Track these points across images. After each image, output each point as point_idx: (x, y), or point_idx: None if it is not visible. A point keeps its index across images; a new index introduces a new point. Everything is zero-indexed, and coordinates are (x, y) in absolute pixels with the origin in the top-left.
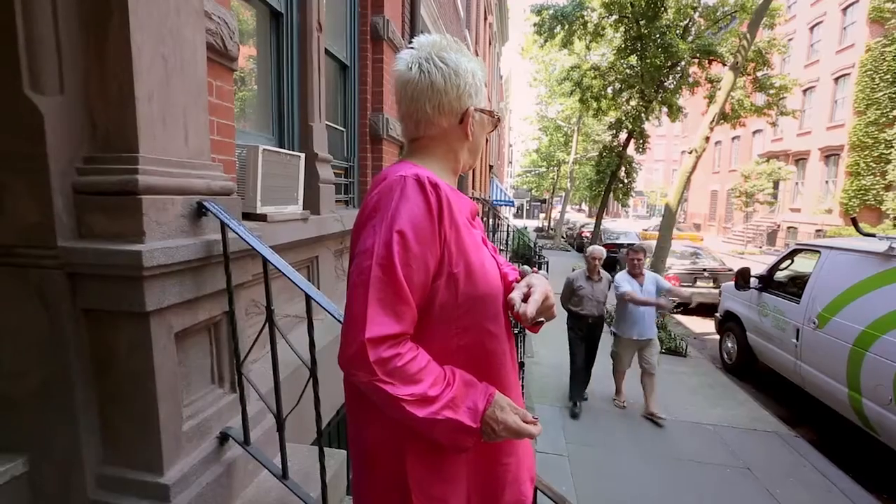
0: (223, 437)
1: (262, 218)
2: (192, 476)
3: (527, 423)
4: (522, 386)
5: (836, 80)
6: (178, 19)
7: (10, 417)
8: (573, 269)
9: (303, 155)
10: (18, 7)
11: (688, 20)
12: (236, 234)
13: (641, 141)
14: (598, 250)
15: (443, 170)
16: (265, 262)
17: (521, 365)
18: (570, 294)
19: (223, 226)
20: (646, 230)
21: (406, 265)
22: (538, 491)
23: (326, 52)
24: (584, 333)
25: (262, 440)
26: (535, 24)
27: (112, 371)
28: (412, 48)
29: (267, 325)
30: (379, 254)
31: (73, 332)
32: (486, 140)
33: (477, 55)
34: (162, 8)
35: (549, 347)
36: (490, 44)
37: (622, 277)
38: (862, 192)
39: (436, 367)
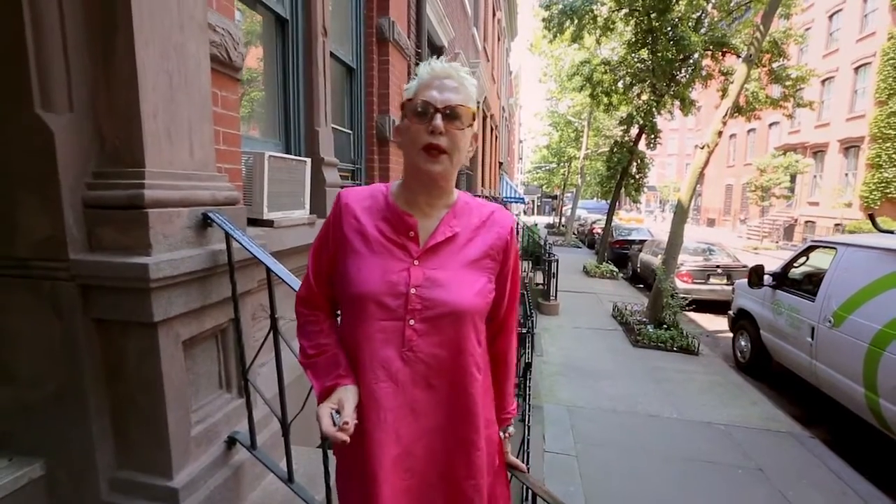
0: (231, 442)
1: (269, 224)
2: (201, 480)
3: (337, 423)
4: (529, 387)
5: (857, 69)
6: (181, 35)
7: (27, 423)
8: None
9: (309, 160)
10: (29, 31)
11: (700, 12)
12: (240, 244)
13: (653, 136)
14: None
15: (402, 183)
16: (269, 270)
17: (528, 365)
18: None
19: (227, 236)
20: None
21: (315, 254)
22: (537, 498)
23: (332, 55)
24: None
25: (269, 444)
26: (543, 20)
27: (123, 378)
28: None
29: (272, 332)
30: None
31: (86, 341)
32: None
33: (485, 52)
34: (166, 24)
35: (558, 345)
36: (499, 40)
37: None
38: (883, 184)
39: (326, 337)
